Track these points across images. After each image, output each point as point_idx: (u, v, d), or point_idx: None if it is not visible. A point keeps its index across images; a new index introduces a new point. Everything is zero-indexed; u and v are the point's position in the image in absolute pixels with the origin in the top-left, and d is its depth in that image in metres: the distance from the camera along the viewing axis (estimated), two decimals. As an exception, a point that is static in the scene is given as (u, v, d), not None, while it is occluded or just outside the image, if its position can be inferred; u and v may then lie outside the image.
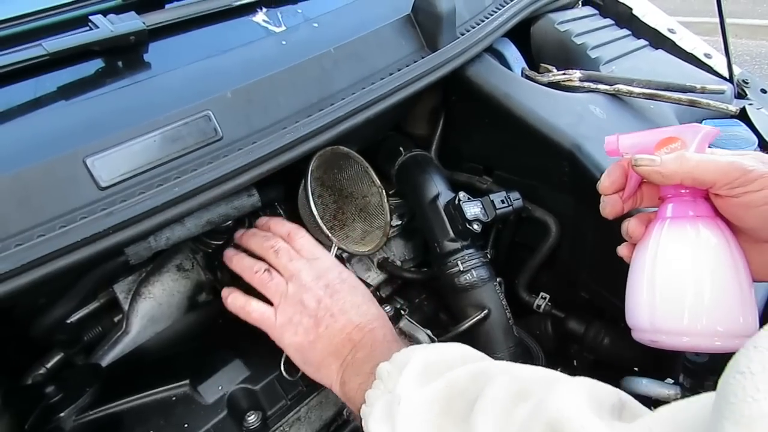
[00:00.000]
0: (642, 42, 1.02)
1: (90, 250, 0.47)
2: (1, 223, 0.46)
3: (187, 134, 0.54)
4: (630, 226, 0.47)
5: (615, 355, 0.79)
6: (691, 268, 0.42)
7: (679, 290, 0.42)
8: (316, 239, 0.77)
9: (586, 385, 0.36)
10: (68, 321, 0.67)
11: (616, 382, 0.76)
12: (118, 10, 0.60)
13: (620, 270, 0.72)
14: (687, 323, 0.41)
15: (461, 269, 0.73)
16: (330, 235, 0.71)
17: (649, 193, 0.49)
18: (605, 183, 0.48)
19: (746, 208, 0.40)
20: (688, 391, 0.64)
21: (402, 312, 0.73)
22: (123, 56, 0.59)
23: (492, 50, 0.88)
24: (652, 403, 0.77)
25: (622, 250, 0.50)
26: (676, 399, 0.65)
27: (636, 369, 0.81)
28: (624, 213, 0.49)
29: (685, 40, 1.05)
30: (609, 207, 0.48)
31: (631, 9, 1.08)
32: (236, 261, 0.64)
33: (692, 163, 0.40)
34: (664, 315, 0.42)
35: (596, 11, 1.07)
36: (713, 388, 0.65)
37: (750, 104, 0.92)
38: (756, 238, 0.42)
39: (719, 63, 1.01)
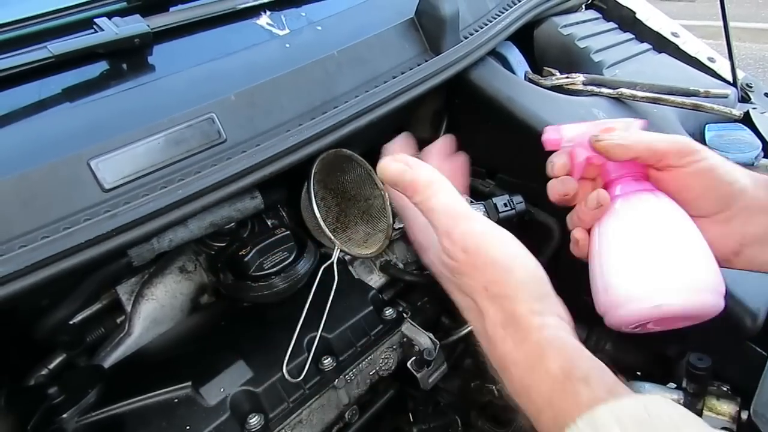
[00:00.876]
0: (645, 46, 1.02)
1: (94, 252, 0.47)
2: (6, 225, 0.46)
3: (191, 137, 0.55)
4: (599, 195, 0.46)
5: (617, 360, 0.79)
6: (662, 225, 0.43)
7: (655, 250, 0.42)
8: (319, 241, 0.77)
9: None
10: (71, 322, 0.67)
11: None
12: (122, 13, 0.60)
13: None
14: (666, 279, 0.40)
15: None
16: (333, 237, 0.71)
17: (583, 189, 0.49)
18: (558, 165, 0.48)
19: (692, 177, 0.43)
20: (692, 395, 0.63)
21: (404, 315, 0.72)
22: (127, 59, 0.59)
23: (495, 54, 0.88)
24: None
25: (576, 234, 0.49)
26: (679, 403, 0.65)
27: (639, 374, 0.81)
28: (568, 198, 0.49)
29: (689, 43, 1.05)
30: (560, 186, 0.48)
31: (634, 13, 1.08)
32: None
33: (649, 137, 0.44)
34: (643, 277, 0.41)
35: (600, 15, 1.07)
36: (716, 392, 0.65)
37: (754, 108, 0.92)
38: (698, 213, 0.45)
39: (723, 67, 1.01)
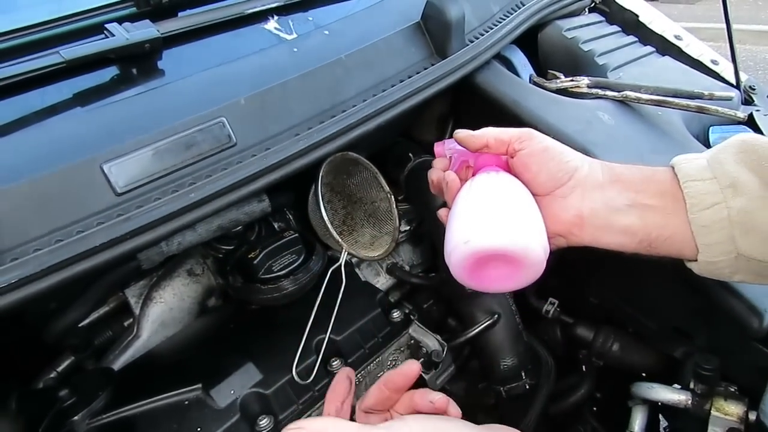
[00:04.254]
0: (649, 49, 1.02)
1: (107, 255, 0.47)
2: (20, 228, 0.46)
3: (202, 140, 0.55)
4: (447, 176, 0.54)
5: (623, 361, 0.79)
6: (487, 190, 0.50)
7: (476, 207, 0.49)
8: (326, 244, 0.77)
9: None
10: (79, 325, 0.67)
11: (624, 387, 0.76)
12: (132, 18, 0.61)
13: (632, 274, 0.72)
14: (477, 225, 0.47)
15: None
16: (340, 240, 0.71)
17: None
18: (436, 164, 0.58)
19: (529, 157, 0.51)
20: (700, 396, 0.64)
21: (412, 317, 0.73)
22: (138, 64, 0.59)
23: (500, 57, 0.88)
24: (660, 408, 0.77)
25: (441, 213, 0.56)
26: (686, 404, 0.65)
27: (644, 375, 0.81)
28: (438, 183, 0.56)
29: (692, 46, 1.05)
30: (433, 174, 0.56)
31: (637, 16, 1.08)
32: None
33: (497, 129, 0.53)
34: (465, 225, 0.48)
35: (603, 18, 1.08)
36: (724, 393, 0.65)
37: (757, 110, 0.92)
38: (541, 191, 0.52)
39: (726, 69, 1.01)
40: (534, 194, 0.51)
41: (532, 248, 0.46)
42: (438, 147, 0.58)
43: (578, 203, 0.50)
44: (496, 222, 0.47)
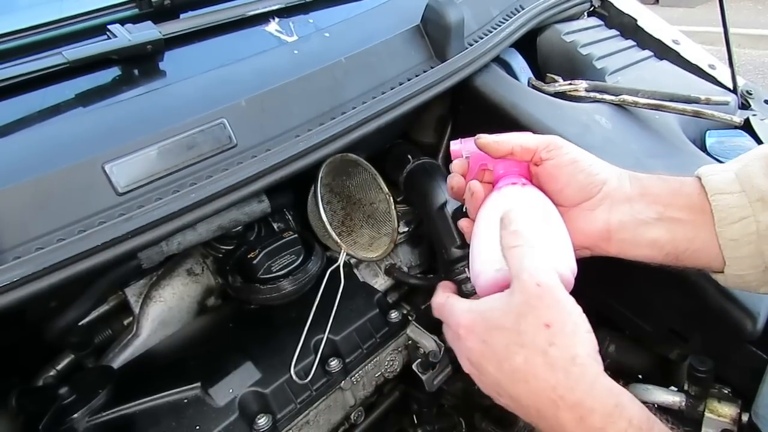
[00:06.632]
0: (647, 53, 1.03)
1: (108, 255, 0.48)
2: (22, 228, 0.47)
3: (203, 141, 0.56)
4: (471, 186, 0.52)
5: (619, 363, 0.80)
6: (527, 213, 0.47)
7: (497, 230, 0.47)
8: (325, 245, 0.78)
9: None
10: (79, 323, 0.67)
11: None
12: (135, 19, 0.62)
13: (628, 277, 0.73)
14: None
15: (468, 276, 0.74)
16: (338, 240, 0.72)
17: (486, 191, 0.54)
18: (455, 166, 0.56)
19: (557, 168, 0.50)
20: (694, 398, 0.64)
21: (410, 318, 0.73)
22: (140, 65, 0.60)
23: (499, 60, 0.89)
24: (656, 410, 0.77)
25: (462, 224, 0.55)
26: (681, 406, 0.66)
27: (639, 376, 0.82)
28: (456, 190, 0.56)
29: (690, 51, 1.06)
30: (451, 180, 0.55)
31: (636, 20, 1.09)
32: None
33: (522, 135, 0.51)
34: (487, 252, 0.46)
35: (602, 22, 1.08)
36: (717, 395, 0.66)
37: (754, 115, 0.93)
38: (567, 203, 0.50)
39: (723, 74, 1.02)
40: (559, 205, 0.50)
41: (562, 273, 0.44)
42: (455, 146, 0.56)
43: (606, 216, 0.49)
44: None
